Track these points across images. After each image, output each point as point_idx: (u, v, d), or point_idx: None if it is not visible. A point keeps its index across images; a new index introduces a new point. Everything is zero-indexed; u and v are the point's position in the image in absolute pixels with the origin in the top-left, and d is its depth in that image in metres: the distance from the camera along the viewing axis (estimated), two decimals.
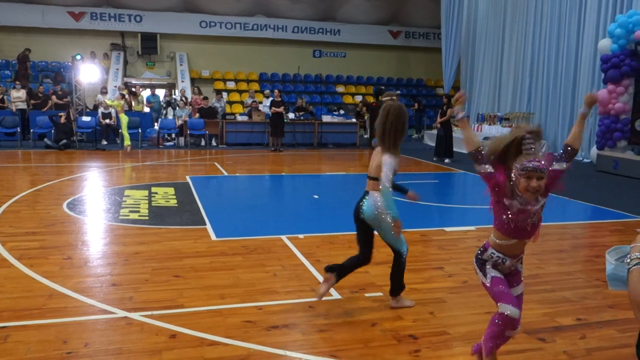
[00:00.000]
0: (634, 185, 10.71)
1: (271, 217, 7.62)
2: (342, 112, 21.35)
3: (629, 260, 1.56)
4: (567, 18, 15.51)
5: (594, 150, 13.48)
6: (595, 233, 7.15)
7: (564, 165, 2.85)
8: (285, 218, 7.58)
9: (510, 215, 2.77)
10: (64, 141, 15.16)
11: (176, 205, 8.03)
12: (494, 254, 2.87)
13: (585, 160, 14.49)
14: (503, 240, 2.84)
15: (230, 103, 22.37)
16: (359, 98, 23.73)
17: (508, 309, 2.83)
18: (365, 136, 19.45)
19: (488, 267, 2.88)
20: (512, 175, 2.73)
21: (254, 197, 9.56)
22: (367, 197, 4.15)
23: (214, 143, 17.23)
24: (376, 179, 4.06)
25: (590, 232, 7.28)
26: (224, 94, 21.57)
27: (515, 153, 2.72)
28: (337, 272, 4.17)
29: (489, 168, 2.81)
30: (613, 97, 12.85)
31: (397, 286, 4.25)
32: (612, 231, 7.08)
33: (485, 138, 15.67)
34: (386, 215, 4.05)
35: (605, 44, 13.05)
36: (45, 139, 15.39)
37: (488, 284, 2.89)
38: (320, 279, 4.83)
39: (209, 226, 6.74)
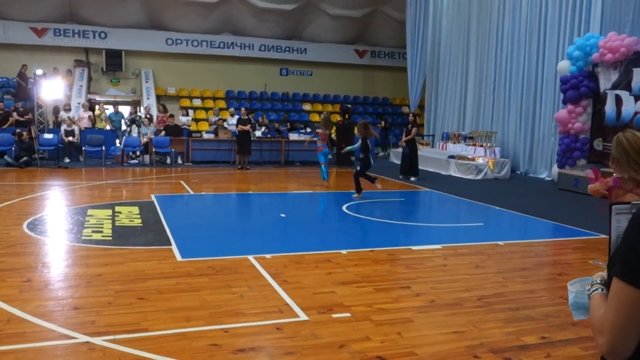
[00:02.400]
0: (594, 203, 10.95)
1: (238, 237, 7.55)
2: (308, 130, 21.38)
3: (589, 287, 1.58)
4: (527, 40, 15.92)
5: (555, 169, 13.79)
6: (558, 251, 7.29)
7: None
8: (252, 237, 7.52)
9: None
10: (25, 159, 14.81)
11: (141, 225, 7.89)
12: None
13: (547, 178, 14.80)
14: None
15: (197, 120, 22.23)
16: None
17: None
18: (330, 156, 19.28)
19: None
20: None
21: (220, 216, 9.47)
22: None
23: (179, 161, 17.06)
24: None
25: (553, 249, 7.42)
26: (190, 112, 21.45)
27: None
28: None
29: None
30: (572, 117, 13.19)
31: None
32: (574, 249, 7.22)
33: (451, 157, 15.87)
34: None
35: (565, 66, 13.42)
36: (6, 157, 15.02)
37: None
38: (288, 299, 4.80)
39: (174, 246, 6.63)
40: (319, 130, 13.36)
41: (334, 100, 25.47)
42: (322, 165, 12.98)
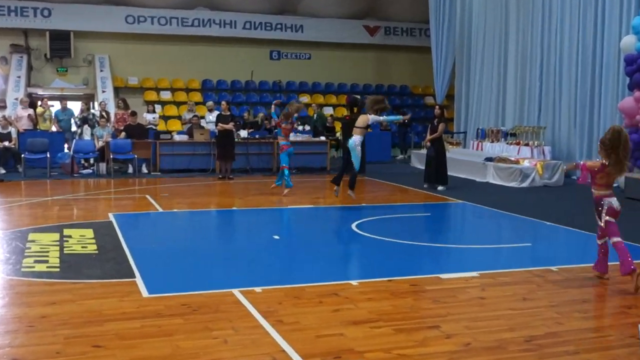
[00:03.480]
0: None
1: (219, 266, 7.54)
2: (307, 127, 21.44)
3: None
4: (581, 10, 15.93)
5: None
6: (627, 278, 7.24)
7: None
8: (238, 266, 7.51)
9: None
10: None
11: (96, 252, 7.89)
12: None
13: None
14: None
15: (166, 118, 22.28)
16: (328, 110, 23.89)
17: None
18: (338, 156, 19.45)
19: None
20: None
21: (197, 239, 9.46)
22: (352, 137, 12.05)
23: (144, 170, 17.08)
24: (359, 128, 12.11)
25: (621, 276, 7.37)
26: (157, 107, 21.51)
27: None
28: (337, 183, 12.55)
29: None
30: None
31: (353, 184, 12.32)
32: None
33: (488, 159, 15.88)
34: (355, 148, 11.88)
35: (630, 42, 13.42)
36: None
37: None
38: (284, 344, 4.78)
39: (139, 279, 6.63)
40: (284, 125, 13.01)
41: (338, 90, 25.54)
42: (285, 170, 12.79)
